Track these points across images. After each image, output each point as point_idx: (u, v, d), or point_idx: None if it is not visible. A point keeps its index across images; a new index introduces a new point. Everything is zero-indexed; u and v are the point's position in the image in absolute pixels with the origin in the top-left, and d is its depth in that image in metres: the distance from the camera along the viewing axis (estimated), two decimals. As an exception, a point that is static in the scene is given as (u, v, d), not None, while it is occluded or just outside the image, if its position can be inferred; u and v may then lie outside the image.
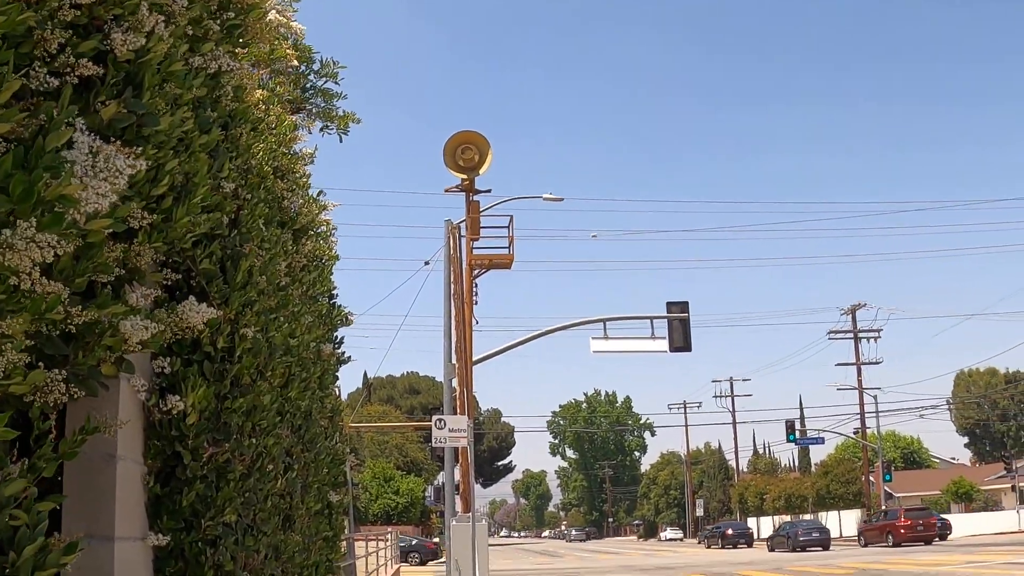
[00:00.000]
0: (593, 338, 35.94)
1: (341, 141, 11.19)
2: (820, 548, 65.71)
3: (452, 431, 19.75)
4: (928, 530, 58.22)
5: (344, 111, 11.02)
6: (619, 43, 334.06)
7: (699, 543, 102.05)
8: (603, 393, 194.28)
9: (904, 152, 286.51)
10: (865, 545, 58.84)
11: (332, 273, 8.47)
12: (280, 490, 5.52)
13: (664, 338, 35.89)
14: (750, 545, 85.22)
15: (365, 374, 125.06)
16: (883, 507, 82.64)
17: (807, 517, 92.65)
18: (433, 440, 20.39)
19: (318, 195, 7.49)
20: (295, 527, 5.96)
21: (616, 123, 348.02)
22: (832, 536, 74.27)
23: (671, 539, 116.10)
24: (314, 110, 11.23)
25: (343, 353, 8.63)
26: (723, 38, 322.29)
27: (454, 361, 32.46)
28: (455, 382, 32.46)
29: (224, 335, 4.60)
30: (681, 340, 35.86)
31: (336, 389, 8.10)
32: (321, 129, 11.04)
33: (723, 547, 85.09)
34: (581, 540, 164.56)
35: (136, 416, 4.24)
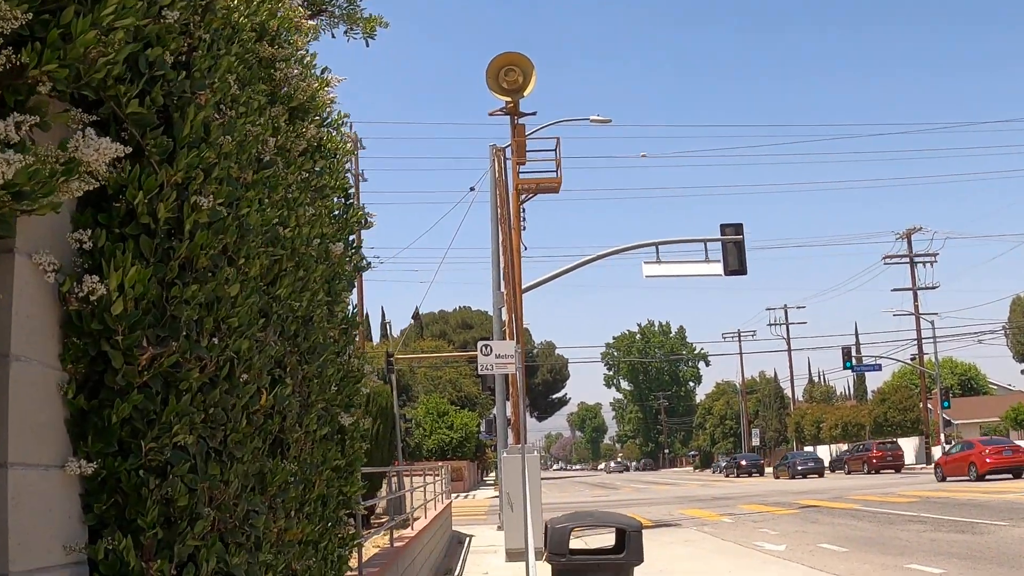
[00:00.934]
0: (646, 262, 34.89)
1: (367, 46, 10.08)
2: (817, 476, 75.19)
3: (499, 357, 18.77)
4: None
5: (370, 14, 9.95)
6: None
7: (714, 473, 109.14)
8: (657, 324, 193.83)
9: (959, 72, 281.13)
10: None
11: (346, 169, 7.41)
12: (265, 408, 4.49)
13: (719, 261, 34.86)
14: (761, 474, 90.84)
15: (416, 310, 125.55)
16: (941, 434, 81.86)
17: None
18: (479, 367, 19.42)
19: (322, 72, 6.44)
20: (289, 453, 4.95)
21: (661, 46, 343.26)
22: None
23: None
24: (336, 12, 10.21)
25: (362, 259, 7.61)
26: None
27: (503, 289, 31.61)
28: (504, 311, 31.62)
29: (168, 203, 3.57)
30: (736, 263, 34.84)
31: (351, 300, 7.07)
32: (345, 32, 9.99)
33: (738, 476, 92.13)
34: (620, 471, 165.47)
35: (46, 305, 3.23)
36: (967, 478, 51.01)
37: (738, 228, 35.10)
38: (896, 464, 74.52)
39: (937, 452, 75.79)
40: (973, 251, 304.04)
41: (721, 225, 35.13)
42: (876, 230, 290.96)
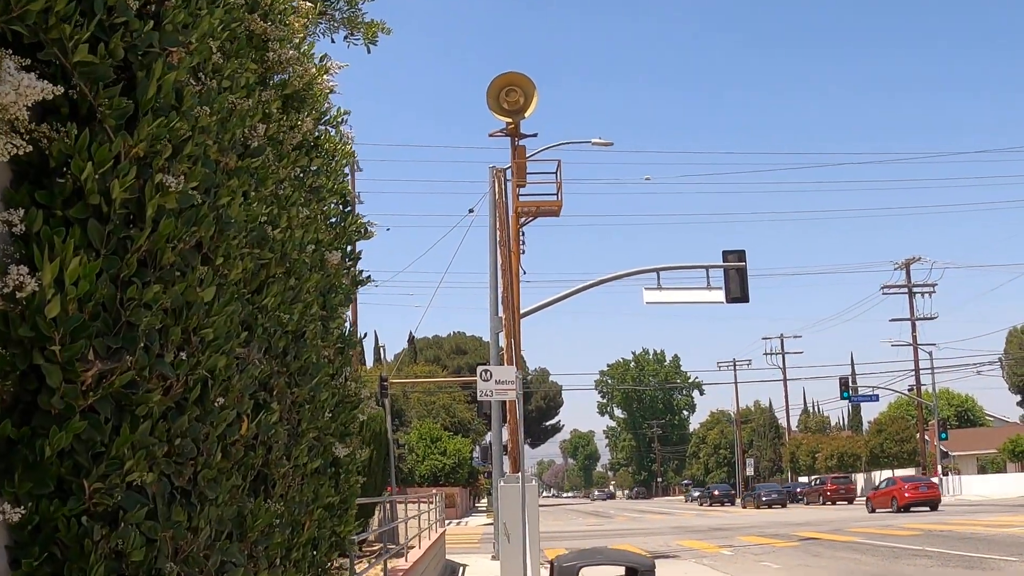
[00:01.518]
0: (646, 288, 34.32)
1: (369, 52, 9.51)
2: (780, 506, 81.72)
3: (499, 383, 18.02)
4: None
5: (372, 19, 9.36)
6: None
7: (687, 502, 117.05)
8: (651, 352, 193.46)
9: (959, 98, 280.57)
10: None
11: (346, 173, 6.71)
12: (247, 438, 3.75)
13: (720, 288, 34.29)
14: (733, 504, 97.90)
15: (411, 334, 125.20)
16: (938, 465, 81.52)
17: (860, 475, 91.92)
18: (478, 393, 18.65)
19: (321, 60, 5.76)
20: (275, 491, 4.21)
21: (662, 71, 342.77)
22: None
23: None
24: (337, 16, 9.62)
25: (360, 273, 6.90)
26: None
27: (501, 314, 30.93)
28: (502, 337, 30.93)
29: (125, 181, 2.82)
30: (738, 290, 34.29)
31: (347, 317, 6.35)
32: (345, 38, 9.41)
33: (711, 505, 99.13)
34: (603, 499, 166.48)
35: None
36: (890, 510, 58.04)
37: (740, 255, 34.59)
38: (848, 496, 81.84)
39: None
40: (972, 281, 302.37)
41: (723, 252, 34.67)
42: (875, 259, 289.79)
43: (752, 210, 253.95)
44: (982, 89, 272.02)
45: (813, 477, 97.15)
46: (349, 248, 6.54)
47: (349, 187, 6.73)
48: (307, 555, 4.68)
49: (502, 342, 30.99)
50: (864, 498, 71.16)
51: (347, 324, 6.22)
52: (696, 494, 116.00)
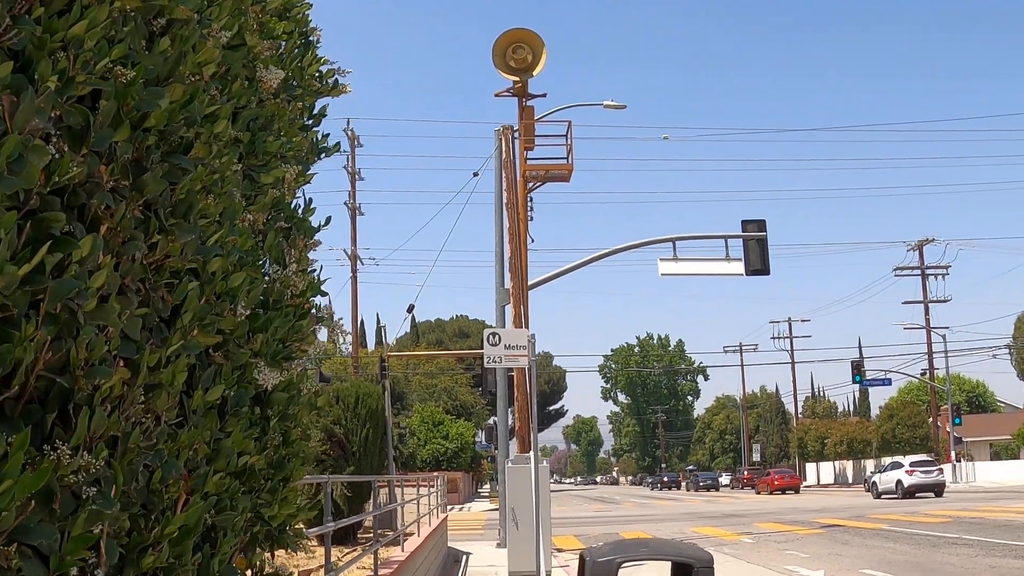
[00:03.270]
0: (661, 259, 32.39)
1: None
2: (714, 490, 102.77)
3: (509, 348, 15.95)
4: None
5: None
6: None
7: (652, 490, 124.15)
8: (656, 337, 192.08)
9: (981, 76, 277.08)
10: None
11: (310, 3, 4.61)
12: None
13: (740, 260, 32.37)
14: (679, 488, 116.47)
15: (411, 306, 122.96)
16: (952, 451, 79.88)
17: (870, 462, 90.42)
18: (485, 360, 16.60)
19: None
20: (80, 428, 2.14)
21: (675, 44, 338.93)
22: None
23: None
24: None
25: (325, 136, 4.81)
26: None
27: (508, 285, 28.99)
28: (509, 310, 28.94)
29: None
30: (758, 262, 32.44)
31: (303, 195, 4.26)
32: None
33: (661, 490, 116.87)
34: (587, 485, 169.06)
35: None
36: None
37: (761, 225, 32.85)
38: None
39: (946, 471, 75.50)
40: (988, 261, 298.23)
41: (742, 221, 32.98)
42: (888, 238, 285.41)
43: (762, 187, 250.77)
44: (1001, 67, 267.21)
45: (756, 467, 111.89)
46: (316, 105, 4.47)
47: (310, 20, 4.61)
48: (183, 554, 2.59)
49: (509, 316, 28.98)
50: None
51: (301, 200, 4.17)
52: (650, 480, 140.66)
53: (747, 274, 32.47)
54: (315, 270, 4.43)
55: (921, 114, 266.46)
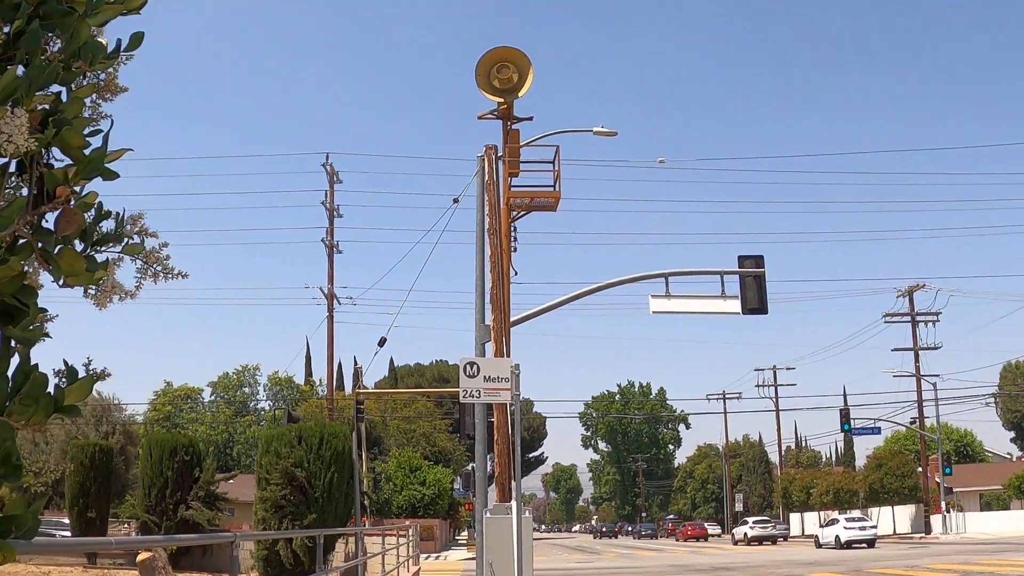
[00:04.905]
0: (653, 296, 30.39)
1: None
2: (651, 538, 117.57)
3: (489, 380, 13.86)
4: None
5: None
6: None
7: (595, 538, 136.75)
8: (637, 384, 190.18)
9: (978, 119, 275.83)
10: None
11: None
12: None
13: (736, 297, 30.42)
14: (616, 537, 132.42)
15: (391, 360, 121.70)
16: (942, 501, 78.31)
17: (856, 513, 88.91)
18: (461, 394, 14.47)
19: None
20: None
21: (664, 80, 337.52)
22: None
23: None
24: None
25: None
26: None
27: (489, 321, 26.95)
28: (489, 348, 26.90)
29: None
30: (756, 300, 30.51)
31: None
32: None
33: (601, 539, 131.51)
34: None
35: None
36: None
37: (758, 261, 30.94)
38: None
39: (936, 521, 74.67)
40: (978, 309, 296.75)
41: (739, 257, 31.00)
42: (878, 285, 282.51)
43: (745, 230, 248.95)
44: (992, 110, 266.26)
45: (675, 519, 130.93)
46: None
47: None
48: None
49: (489, 355, 26.89)
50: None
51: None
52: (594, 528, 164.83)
53: (744, 313, 30.61)
54: (97, 124, 2.53)
55: (912, 158, 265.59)
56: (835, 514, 75.03)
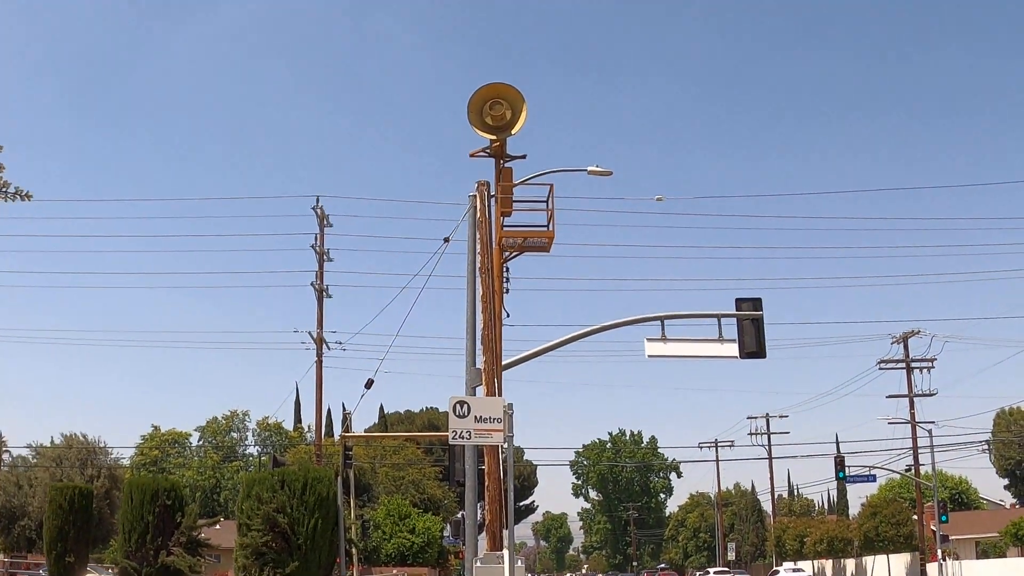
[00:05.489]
0: (649, 340, 29.83)
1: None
2: None
3: (481, 420, 13.09)
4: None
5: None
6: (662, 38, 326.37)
7: None
8: (628, 432, 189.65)
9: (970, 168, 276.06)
10: None
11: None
12: None
13: (733, 341, 29.88)
14: None
15: (381, 407, 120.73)
16: (938, 550, 77.65)
17: (851, 561, 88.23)
18: (450, 434, 13.66)
19: None
20: None
21: (661, 123, 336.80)
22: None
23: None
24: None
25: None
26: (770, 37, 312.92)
27: (480, 364, 26.26)
28: (480, 392, 26.15)
29: None
30: (754, 344, 30.15)
31: None
32: None
33: None
34: None
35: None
36: None
37: (756, 303, 30.61)
38: None
39: (932, 570, 74.07)
40: (974, 355, 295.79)
41: (737, 299, 30.69)
42: (872, 331, 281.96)
43: (739, 274, 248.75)
44: (987, 161, 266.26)
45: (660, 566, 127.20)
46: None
47: None
48: None
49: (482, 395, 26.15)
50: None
51: None
52: None
53: (741, 357, 30.15)
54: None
55: (907, 205, 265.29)
56: (779, 565, 74.40)
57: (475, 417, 13.19)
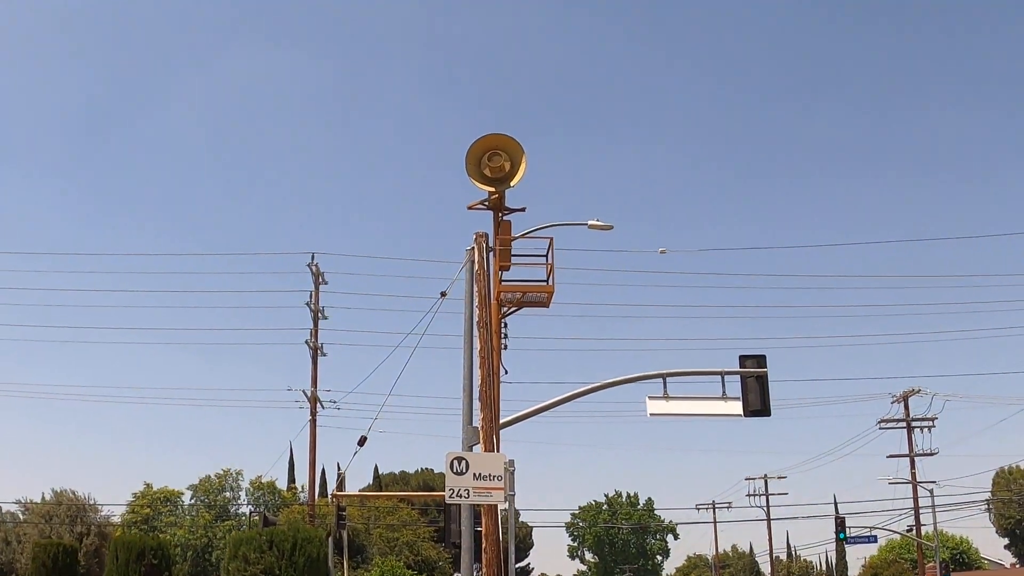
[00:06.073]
0: (650, 398, 29.10)
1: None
2: None
3: (479, 478, 12.33)
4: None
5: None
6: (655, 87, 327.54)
7: None
8: (625, 494, 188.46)
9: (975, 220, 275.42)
10: None
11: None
12: None
13: (737, 399, 29.22)
14: None
15: (376, 467, 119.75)
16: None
17: None
18: (447, 493, 12.89)
19: None
20: None
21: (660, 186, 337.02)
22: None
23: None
24: None
25: None
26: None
27: (476, 423, 25.49)
28: (478, 451, 25.36)
29: None
30: (758, 402, 29.44)
31: None
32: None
33: None
34: None
35: None
36: None
37: (760, 360, 29.93)
38: None
39: None
40: (975, 414, 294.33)
41: (740, 357, 30.00)
42: (871, 390, 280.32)
43: (741, 334, 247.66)
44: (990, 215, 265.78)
45: None
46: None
47: None
48: None
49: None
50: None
51: None
52: None
53: (745, 415, 29.44)
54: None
55: (908, 262, 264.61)
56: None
57: (474, 474, 12.46)
